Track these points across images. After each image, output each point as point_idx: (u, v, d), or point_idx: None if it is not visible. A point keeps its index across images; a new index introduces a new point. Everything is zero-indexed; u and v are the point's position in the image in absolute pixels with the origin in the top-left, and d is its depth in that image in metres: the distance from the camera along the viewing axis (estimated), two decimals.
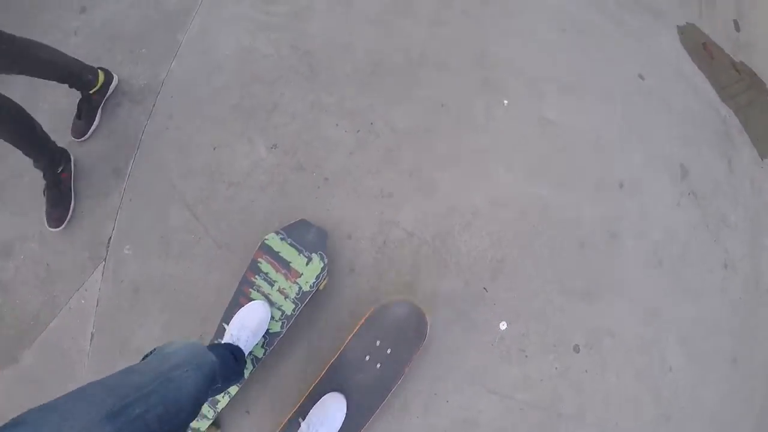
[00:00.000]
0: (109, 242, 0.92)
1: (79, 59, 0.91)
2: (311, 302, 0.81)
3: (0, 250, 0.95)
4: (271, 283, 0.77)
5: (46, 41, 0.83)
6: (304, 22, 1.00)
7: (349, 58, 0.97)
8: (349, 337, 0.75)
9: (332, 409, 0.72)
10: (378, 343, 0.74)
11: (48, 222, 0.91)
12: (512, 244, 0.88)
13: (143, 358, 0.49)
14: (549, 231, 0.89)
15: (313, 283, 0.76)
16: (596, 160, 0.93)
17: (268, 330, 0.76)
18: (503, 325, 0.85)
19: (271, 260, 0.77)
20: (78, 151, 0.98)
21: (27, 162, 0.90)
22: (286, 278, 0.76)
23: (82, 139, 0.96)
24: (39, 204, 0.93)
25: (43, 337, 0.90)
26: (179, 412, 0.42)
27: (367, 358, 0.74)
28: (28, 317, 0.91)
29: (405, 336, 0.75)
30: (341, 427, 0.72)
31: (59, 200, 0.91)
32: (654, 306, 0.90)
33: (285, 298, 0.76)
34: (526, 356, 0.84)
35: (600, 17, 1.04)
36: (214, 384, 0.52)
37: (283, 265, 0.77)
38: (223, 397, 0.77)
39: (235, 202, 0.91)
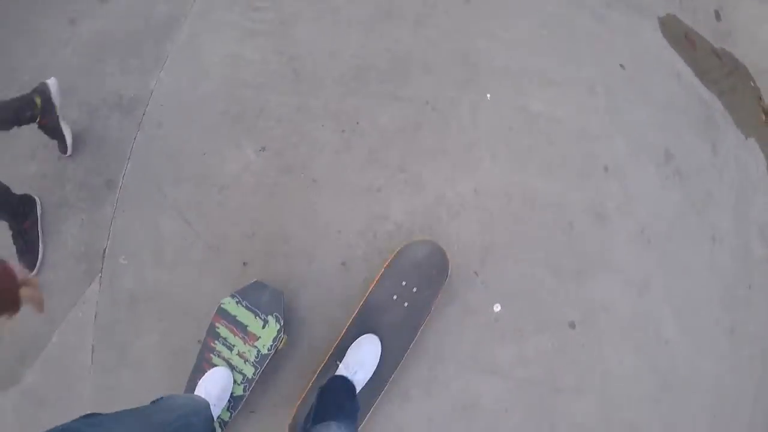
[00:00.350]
0: (104, 253, 0.93)
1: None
2: (304, 297, 0.83)
3: None
4: (231, 348, 0.78)
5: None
6: (290, 28, 1.02)
7: (334, 62, 0.98)
8: (375, 280, 0.77)
9: (367, 350, 0.75)
10: (404, 283, 0.77)
11: None
12: (500, 229, 0.90)
13: (152, 403, 0.53)
14: (536, 215, 0.91)
15: (271, 345, 0.77)
16: (580, 148, 0.96)
17: (232, 393, 0.78)
18: (497, 307, 0.87)
19: (229, 324, 0.79)
20: (70, 164, 0.99)
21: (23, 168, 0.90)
22: (245, 342, 0.78)
23: (67, 155, 0.96)
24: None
25: (45, 354, 0.90)
26: None
27: (395, 297, 0.76)
28: (29, 335, 0.92)
29: (428, 275, 0.78)
30: (378, 366, 0.75)
31: (26, 249, 0.92)
32: (645, 282, 0.92)
33: (245, 362, 0.78)
34: (522, 335, 0.86)
35: (580, 14, 1.06)
36: None
37: (241, 328, 0.78)
38: None
39: (226, 206, 0.92)
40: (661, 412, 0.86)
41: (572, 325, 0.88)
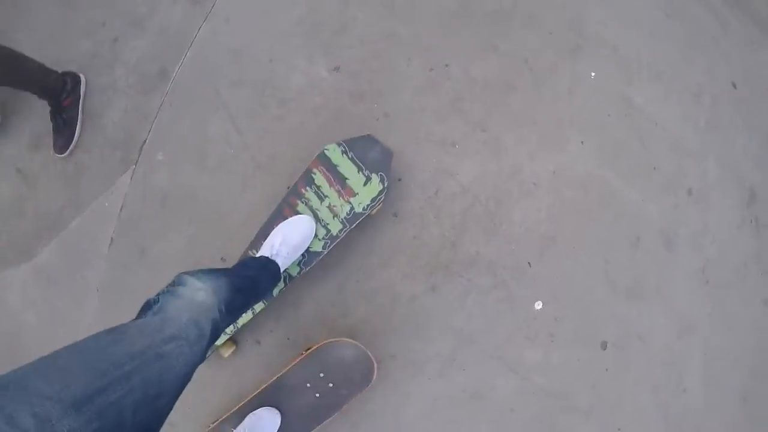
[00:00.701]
0: (143, 146, 0.87)
1: None
2: (347, 237, 0.76)
3: (29, 142, 0.91)
4: (322, 198, 0.70)
5: None
6: None
7: None
8: (293, 363, 0.71)
9: (266, 421, 0.69)
10: (321, 375, 0.71)
11: (53, 147, 0.88)
12: (567, 223, 0.82)
13: (143, 308, 0.43)
14: (607, 219, 0.84)
15: (368, 205, 0.69)
16: (670, 159, 0.87)
17: (308, 248, 0.70)
18: (539, 305, 0.81)
19: (327, 173, 0.70)
20: (125, 47, 0.91)
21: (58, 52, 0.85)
22: (339, 195, 0.70)
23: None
24: None
25: (63, 236, 0.87)
26: (159, 398, 0.35)
27: (308, 385, 0.71)
28: (51, 214, 0.89)
29: (349, 377, 0.72)
30: None
31: (62, 128, 0.88)
32: (690, 323, 0.86)
33: (334, 217, 0.70)
34: (553, 342, 0.81)
35: (705, 12, 0.94)
36: (211, 346, 0.44)
37: (339, 180, 0.70)
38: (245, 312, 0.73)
39: (283, 122, 0.85)
40: None
41: (604, 346, 0.83)
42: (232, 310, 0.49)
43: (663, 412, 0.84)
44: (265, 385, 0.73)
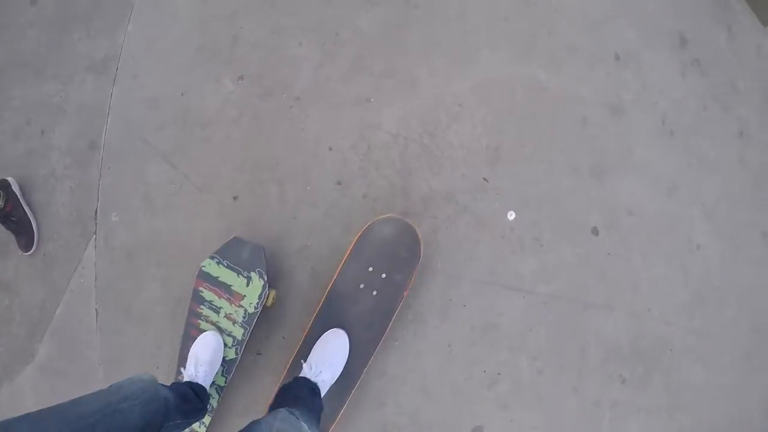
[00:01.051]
0: (96, 214, 0.91)
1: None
2: (302, 223, 0.77)
3: None
4: (217, 311, 0.75)
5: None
6: None
7: None
8: (338, 269, 0.70)
9: (334, 346, 0.69)
10: (370, 269, 0.69)
11: (20, 248, 0.92)
12: (507, 128, 0.82)
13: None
14: (545, 111, 0.83)
15: (257, 303, 0.72)
16: (586, 35, 0.87)
17: (224, 358, 0.74)
18: (511, 215, 0.80)
19: (212, 287, 0.74)
20: (53, 135, 0.96)
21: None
22: (230, 303, 0.74)
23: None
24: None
25: (53, 326, 0.90)
26: None
27: (362, 286, 0.69)
28: (35, 310, 0.91)
29: (397, 256, 0.69)
30: (347, 363, 0.68)
31: (18, 229, 0.92)
32: (671, 180, 0.84)
33: (233, 324, 0.74)
34: (542, 245, 0.79)
35: None
36: (166, 420, 0.53)
37: (225, 289, 0.74)
38: (199, 426, 0.77)
39: (210, 142, 0.88)
40: (695, 326, 0.79)
41: (595, 231, 0.81)
42: (179, 409, 0.57)
43: (684, 275, 0.81)
44: (319, 305, 0.69)
